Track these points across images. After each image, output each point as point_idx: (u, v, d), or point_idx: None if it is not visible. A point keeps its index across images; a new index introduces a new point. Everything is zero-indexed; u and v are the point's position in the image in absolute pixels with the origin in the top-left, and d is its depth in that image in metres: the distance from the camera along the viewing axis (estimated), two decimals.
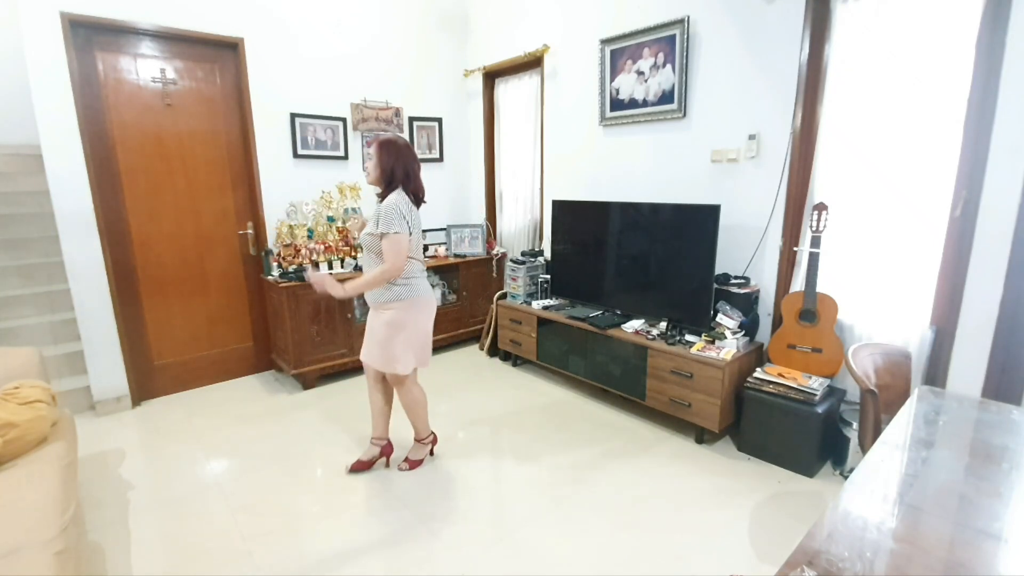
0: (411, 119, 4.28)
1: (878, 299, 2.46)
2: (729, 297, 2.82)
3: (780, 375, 2.51)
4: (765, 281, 2.83)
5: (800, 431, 2.39)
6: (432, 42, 4.31)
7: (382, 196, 2.24)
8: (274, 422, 3.04)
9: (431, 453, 2.62)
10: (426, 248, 4.18)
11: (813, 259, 2.50)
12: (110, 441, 2.84)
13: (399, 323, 2.26)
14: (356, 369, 3.76)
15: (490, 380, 3.67)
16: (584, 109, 3.58)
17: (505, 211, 4.55)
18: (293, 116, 3.64)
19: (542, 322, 3.51)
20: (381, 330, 2.28)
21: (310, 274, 2.28)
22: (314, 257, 3.55)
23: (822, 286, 2.52)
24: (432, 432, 2.62)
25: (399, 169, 2.21)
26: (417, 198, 2.28)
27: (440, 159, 4.52)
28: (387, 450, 2.56)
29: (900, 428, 1.46)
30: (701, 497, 2.28)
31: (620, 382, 3.05)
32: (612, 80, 3.34)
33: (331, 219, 3.72)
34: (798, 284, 2.70)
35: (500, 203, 4.59)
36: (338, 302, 3.49)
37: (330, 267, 3.59)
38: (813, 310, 2.53)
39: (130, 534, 2.09)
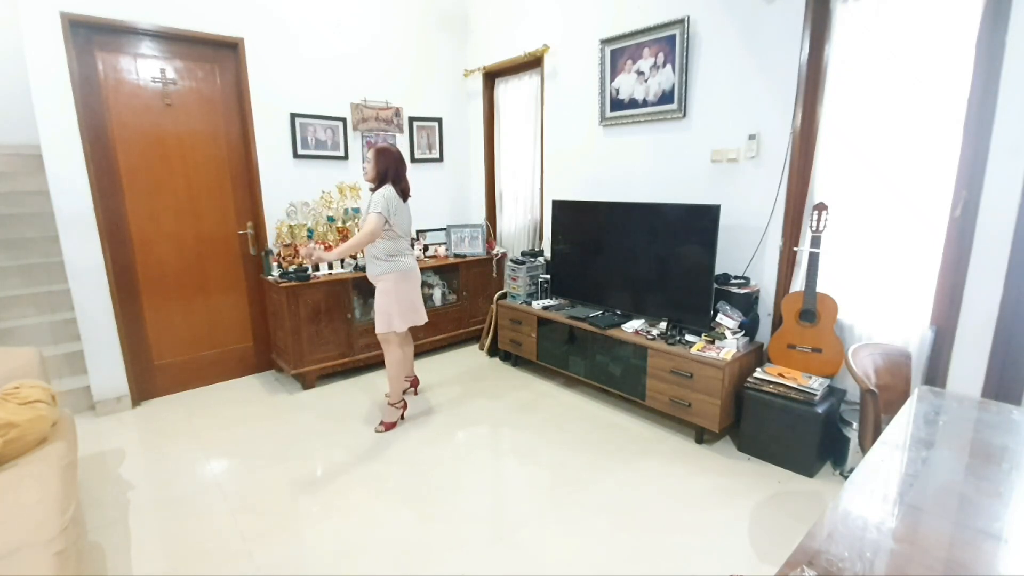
0: (411, 119, 4.28)
1: (878, 299, 2.46)
2: (729, 297, 2.82)
3: (780, 375, 2.51)
4: (765, 281, 2.83)
5: (800, 431, 2.39)
6: (432, 42, 4.31)
7: (374, 190, 2.86)
8: (274, 422, 3.04)
9: (402, 418, 3.05)
10: (426, 248, 4.20)
11: (813, 259, 2.50)
12: (110, 441, 2.84)
13: (389, 291, 2.86)
14: (356, 369, 3.76)
15: (490, 380, 3.67)
16: (584, 109, 3.58)
17: (505, 211, 4.55)
18: (293, 116, 3.64)
19: (542, 322, 3.51)
20: (378, 298, 2.90)
21: (304, 251, 2.81)
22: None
23: (822, 286, 2.52)
24: (404, 400, 3.06)
25: (391, 171, 2.84)
26: (405, 194, 2.90)
27: (440, 159, 4.52)
28: (414, 382, 3.37)
29: (900, 428, 1.46)
30: (701, 497, 2.28)
31: (620, 382, 3.05)
32: (612, 80, 3.34)
33: (331, 219, 3.72)
34: (798, 284, 2.70)
35: (500, 203, 4.59)
36: (338, 302, 3.51)
37: (330, 267, 3.60)
38: (813, 310, 2.53)
39: (130, 534, 2.09)
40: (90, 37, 2.93)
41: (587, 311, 3.36)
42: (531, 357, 3.65)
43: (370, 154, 2.86)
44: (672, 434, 2.84)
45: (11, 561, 1.30)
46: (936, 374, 2.27)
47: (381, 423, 2.95)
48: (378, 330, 2.89)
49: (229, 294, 3.62)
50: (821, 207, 2.45)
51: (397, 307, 2.88)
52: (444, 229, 4.37)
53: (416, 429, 2.93)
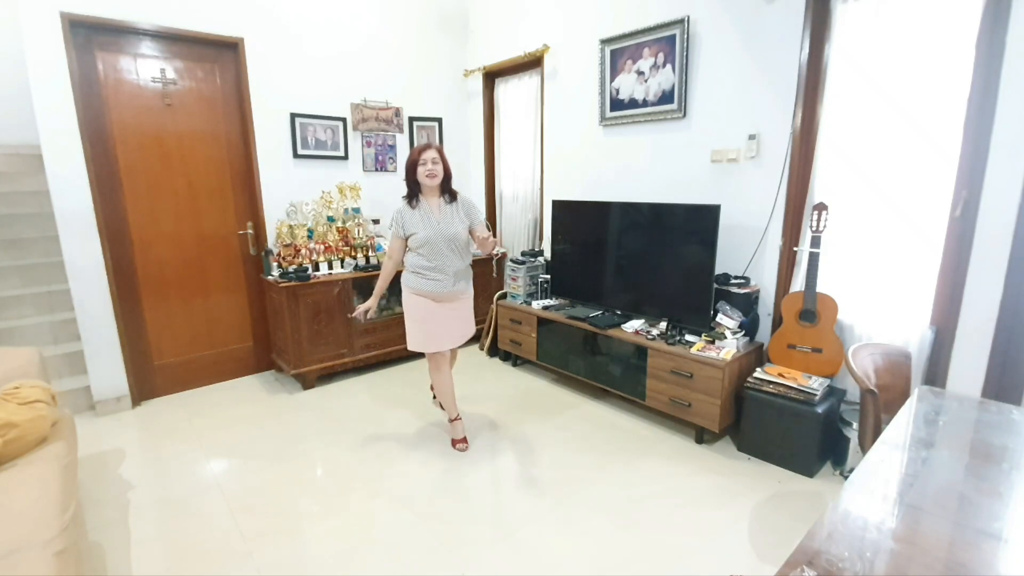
0: (411, 119, 4.28)
1: (878, 299, 2.46)
2: (729, 297, 2.82)
3: (780, 375, 2.51)
4: (765, 281, 2.83)
5: (800, 431, 2.39)
6: (432, 42, 4.31)
7: (452, 194, 2.60)
8: (274, 422, 3.04)
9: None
10: None
11: (813, 259, 2.50)
12: (110, 441, 2.84)
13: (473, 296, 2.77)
14: (356, 369, 3.76)
15: (490, 380, 3.67)
16: (584, 109, 3.58)
17: (505, 211, 4.55)
18: (293, 116, 3.64)
19: (542, 322, 3.51)
20: (471, 306, 2.74)
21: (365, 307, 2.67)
22: (314, 257, 3.56)
23: (822, 286, 2.52)
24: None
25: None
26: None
27: None
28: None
29: (900, 428, 1.46)
30: (701, 497, 2.28)
31: (620, 382, 3.05)
32: (612, 80, 3.34)
33: (331, 219, 3.72)
34: (798, 284, 2.70)
35: (500, 203, 4.59)
36: (338, 302, 3.50)
37: (330, 267, 3.59)
38: (813, 310, 2.53)
39: (130, 534, 2.09)
40: (90, 37, 2.93)
41: (587, 311, 3.36)
42: (531, 357, 3.65)
43: (434, 153, 2.50)
44: (672, 434, 2.84)
45: (11, 561, 1.30)
46: (936, 374, 2.27)
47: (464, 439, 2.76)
48: (472, 334, 2.76)
49: (229, 294, 3.62)
50: (821, 207, 2.45)
51: None
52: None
53: (416, 429, 2.93)
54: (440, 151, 2.54)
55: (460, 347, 2.83)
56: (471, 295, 2.74)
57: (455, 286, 2.59)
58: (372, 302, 2.68)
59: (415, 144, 4.33)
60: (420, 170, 2.49)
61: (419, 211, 2.53)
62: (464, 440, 2.74)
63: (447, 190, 2.59)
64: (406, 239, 2.55)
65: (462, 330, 2.71)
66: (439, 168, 2.50)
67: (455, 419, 2.76)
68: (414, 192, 2.55)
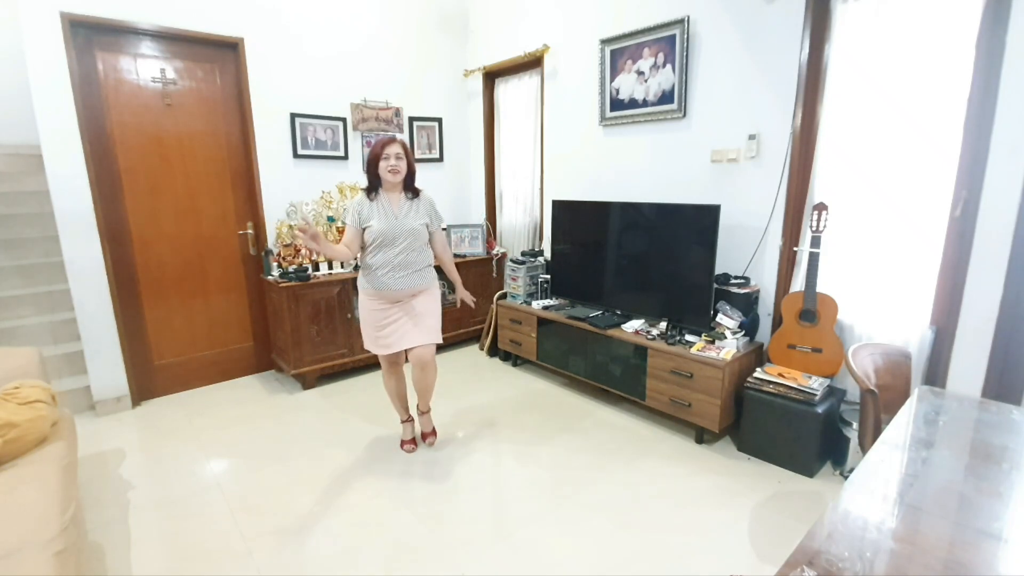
0: (411, 119, 4.28)
1: (878, 299, 2.46)
2: (729, 297, 2.82)
3: (780, 375, 2.51)
4: (765, 281, 2.83)
5: (800, 431, 2.39)
6: (432, 42, 4.31)
7: (414, 192, 2.51)
8: (274, 422, 3.04)
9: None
10: None
11: (813, 259, 2.50)
12: (110, 441, 2.84)
13: (439, 297, 2.62)
14: (356, 369, 3.76)
15: (490, 380, 3.67)
16: (584, 109, 3.58)
17: (505, 211, 4.55)
18: (293, 116, 3.64)
19: (542, 322, 3.51)
20: (433, 305, 2.57)
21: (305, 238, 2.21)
22: (314, 257, 3.56)
23: (822, 286, 2.52)
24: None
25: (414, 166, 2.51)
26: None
27: (440, 159, 4.52)
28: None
29: (900, 428, 1.46)
30: (701, 497, 2.28)
31: (620, 382, 3.05)
32: (612, 80, 3.34)
33: (331, 219, 3.72)
34: (798, 284, 2.70)
35: (500, 203, 4.59)
36: (338, 302, 3.50)
37: (330, 267, 3.60)
38: (813, 310, 2.53)
39: (130, 534, 2.09)
40: (90, 37, 2.93)
41: (587, 311, 3.36)
42: (531, 357, 3.65)
43: (398, 148, 2.39)
44: (672, 434, 2.84)
45: (11, 561, 1.30)
46: (936, 374, 2.27)
47: (434, 432, 2.80)
48: (438, 341, 2.56)
49: (229, 294, 3.62)
50: (821, 207, 2.45)
51: None
52: (444, 229, 4.36)
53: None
54: (405, 147, 2.42)
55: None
56: (435, 291, 2.59)
57: (411, 283, 2.46)
58: (318, 242, 2.22)
59: (415, 144, 4.33)
60: (382, 164, 2.38)
61: (377, 203, 2.42)
62: (412, 441, 2.72)
63: (409, 187, 2.48)
64: (362, 231, 2.42)
65: (423, 327, 2.50)
66: (403, 165, 2.40)
67: (406, 420, 2.75)
68: (374, 186, 2.44)
